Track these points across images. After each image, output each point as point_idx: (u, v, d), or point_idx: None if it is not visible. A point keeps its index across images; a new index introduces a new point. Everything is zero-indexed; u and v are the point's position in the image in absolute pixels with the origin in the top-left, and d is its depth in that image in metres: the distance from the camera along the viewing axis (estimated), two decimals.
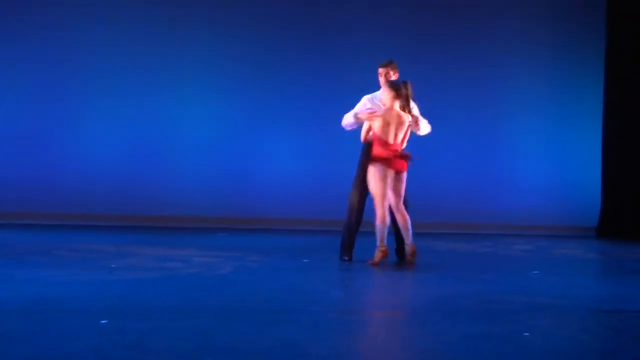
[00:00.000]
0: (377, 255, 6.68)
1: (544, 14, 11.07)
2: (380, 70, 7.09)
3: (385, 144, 6.72)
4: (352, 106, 7.05)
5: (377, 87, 7.08)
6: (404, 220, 6.79)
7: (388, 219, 6.70)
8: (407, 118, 6.79)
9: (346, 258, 6.98)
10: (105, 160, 9.86)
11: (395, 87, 6.81)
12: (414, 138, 7.03)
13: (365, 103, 7.05)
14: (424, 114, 7.07)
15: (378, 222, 6.68)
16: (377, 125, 6.74)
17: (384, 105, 6.85)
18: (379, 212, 6.68)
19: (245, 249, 7.61)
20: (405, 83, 6.83)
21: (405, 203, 6.93)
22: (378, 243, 6.68)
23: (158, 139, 10.03)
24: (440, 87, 10.36)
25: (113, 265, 6.18)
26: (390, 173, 6.71)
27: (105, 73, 9.85)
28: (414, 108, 7.01)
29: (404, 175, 6.81)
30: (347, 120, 7.03)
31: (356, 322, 4.43)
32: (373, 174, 6.71)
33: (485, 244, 9.10)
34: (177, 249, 7.43)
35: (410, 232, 6.77)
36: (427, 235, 9.73)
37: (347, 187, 7.10)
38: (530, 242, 9.55)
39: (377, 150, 6.75)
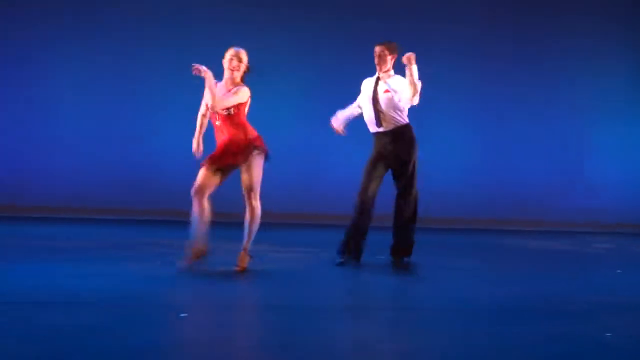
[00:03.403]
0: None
1: (619, 12, 10.79)
2: (376, 49, 6.38)
3: None
4: None
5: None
6: (250, 216, 5.81)
7: (196, 210, 5.80)
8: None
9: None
10: (183, 157, 9.96)
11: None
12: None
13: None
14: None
15: None
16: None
17: None
18: None
19: (320, 244, 7.60)
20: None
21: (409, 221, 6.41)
22: None
23: None
24: (527, 83, 10.21)
25: None
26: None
27: (175, 69, 9.89)
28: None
29: (251, 164, 5.74)
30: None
31: (434, 320, 4.40)
32: None
33: (565, 242, 8.91)
34: (253, 244, 7.49)
35: (248, 233, 5.82)
36: (506, 232, 9.62)
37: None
38: (612, 240, 9.31)
39: None
